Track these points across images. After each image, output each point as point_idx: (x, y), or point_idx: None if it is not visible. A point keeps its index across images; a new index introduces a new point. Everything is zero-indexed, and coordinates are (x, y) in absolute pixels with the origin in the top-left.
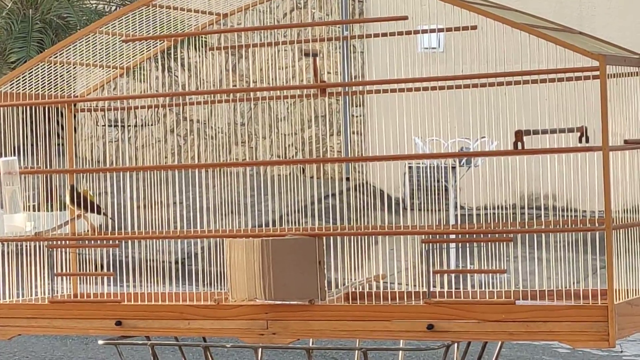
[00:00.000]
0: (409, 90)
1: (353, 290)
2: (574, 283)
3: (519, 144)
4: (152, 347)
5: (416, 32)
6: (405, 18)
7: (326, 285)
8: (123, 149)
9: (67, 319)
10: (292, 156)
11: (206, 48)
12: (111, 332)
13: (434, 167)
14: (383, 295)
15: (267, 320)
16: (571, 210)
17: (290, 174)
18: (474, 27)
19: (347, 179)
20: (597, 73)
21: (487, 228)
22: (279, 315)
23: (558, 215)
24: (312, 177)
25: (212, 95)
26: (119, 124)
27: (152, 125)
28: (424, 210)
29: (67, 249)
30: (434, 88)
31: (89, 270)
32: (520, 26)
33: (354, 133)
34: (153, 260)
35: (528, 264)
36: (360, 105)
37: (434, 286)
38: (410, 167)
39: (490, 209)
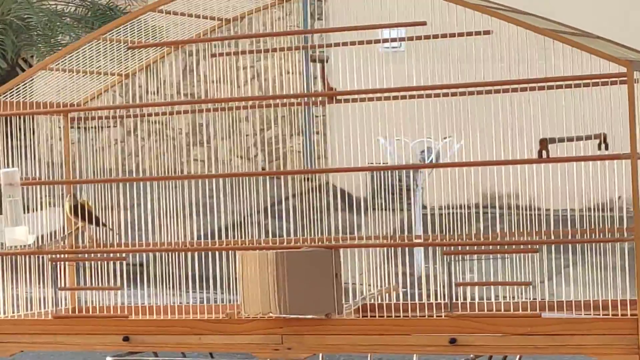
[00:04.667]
0: (388, 99)
1: (368, 302)
2: (601, 294)
3: (544, 152)
4: None
5: (431, 37)
6: (423, 24)
7: (343, 298)
8: (81, 150)
9: (72, 334)
10: (254, 157)
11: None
12: (118, 348)
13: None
14: (402, 307)
15: (281, 335)
16: (533, 209)
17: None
18: (487, 32)
19: (308, 179)
20: (625, 79)
21: (511, 239)
22: (294, 329)
23: (520, 214)
24: (272, 178)
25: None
26: (81, 125)
27: (113, 127)
28: (389, 210)
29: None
30: (403, 97)
31: (91, 280)
32: (544, 32)
33: (316, 133)
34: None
35: (555, 273)
36: (322, 105)
37: (456, 298)
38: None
39: (451, 208)
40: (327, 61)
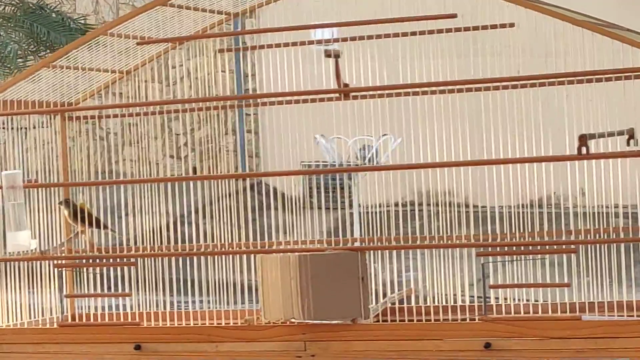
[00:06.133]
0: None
1: (391, 305)
2: None
3: (583, 148)
4: None
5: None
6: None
7: (370, 302)
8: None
9: (80, 343)
10: (185, 156)
11: None
12: (129, 357)
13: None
14: (426, 311)
15: (304, 342)
16: (467, 206)
17: (182, 174)
18: (512, 25)
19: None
20: None
21: (549, 239)
22: (318, 335)
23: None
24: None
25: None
26: (7, 126)
27: (42, 127)
28: (324, 209)
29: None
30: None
31: (88, 286)
32: (583, 24)
33: (248, 132)
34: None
35: (593, 274)
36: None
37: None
38: (306, 166)
39: (384, 206)
40: (340, 56)
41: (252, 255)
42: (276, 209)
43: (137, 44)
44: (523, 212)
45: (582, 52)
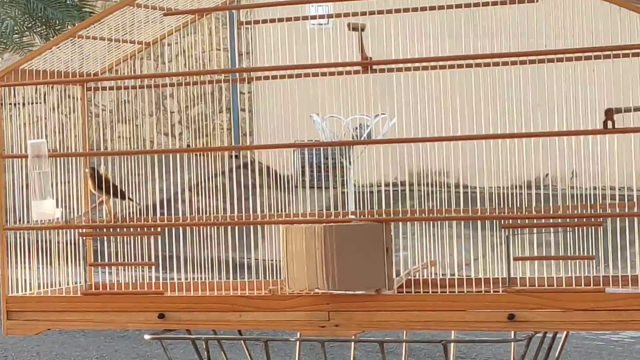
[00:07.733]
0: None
1: (412, 277)
2: None
3: (609, 122)
4: (206, 341)
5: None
6: None
7: (394, 273)
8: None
9: (103, 311)
10: (180, 134)
11: None
12: (153, 326)
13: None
14: (450, 283)
15: (328, 312)
16: (459, 187)
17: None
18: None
19: (236, 156)
20: None
21: (573, 212)
22: (342, 306)
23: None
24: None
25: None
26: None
27: (35, 103)
28: (321, 188)
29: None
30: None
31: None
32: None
33: (242, 110)
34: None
35: (619, 247)
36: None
37: (514, 274)
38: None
39: (375, 186)
40: (363, 30)
41: (252, 232)
42: (269, 187)
43: (164, 14)
44: (545, 192)
45: (611, 27)
